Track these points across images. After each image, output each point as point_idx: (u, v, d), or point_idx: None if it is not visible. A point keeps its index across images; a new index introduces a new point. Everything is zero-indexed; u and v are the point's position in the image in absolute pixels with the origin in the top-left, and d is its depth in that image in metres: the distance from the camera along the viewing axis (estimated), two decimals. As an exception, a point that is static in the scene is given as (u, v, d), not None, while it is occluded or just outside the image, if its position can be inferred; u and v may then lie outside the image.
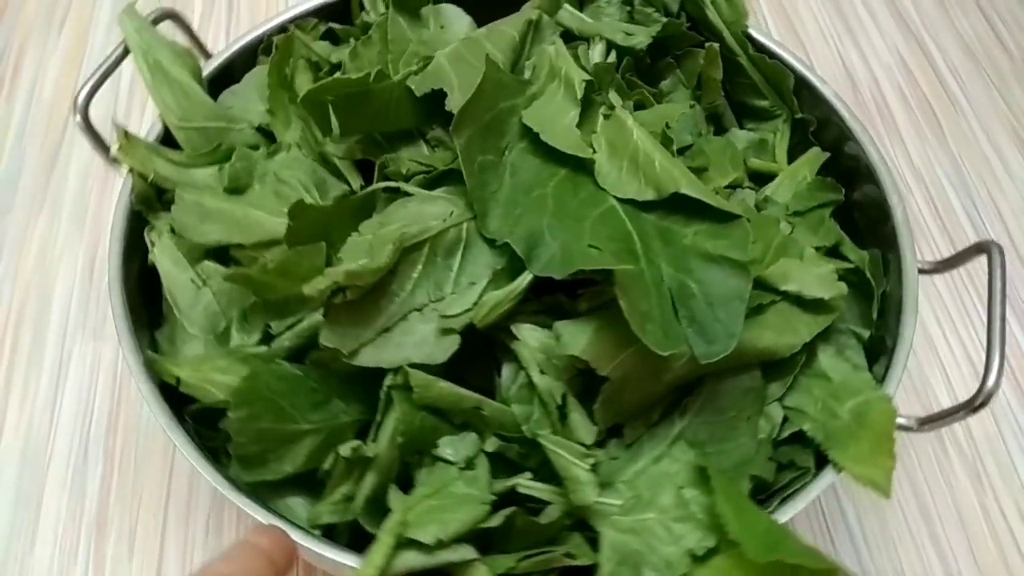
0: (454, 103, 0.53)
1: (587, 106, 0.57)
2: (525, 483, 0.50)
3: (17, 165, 0.88)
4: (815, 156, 0.67)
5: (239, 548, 0.42)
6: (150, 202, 0.59)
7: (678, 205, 0.51)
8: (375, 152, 0.57)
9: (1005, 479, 0.74)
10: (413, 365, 0.49)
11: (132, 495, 0.71)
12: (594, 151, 0.55)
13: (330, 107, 0.54)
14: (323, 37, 0.68)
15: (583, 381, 0.51)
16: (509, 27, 0.61)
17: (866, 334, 0.60)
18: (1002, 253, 0.58)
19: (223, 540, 0.69)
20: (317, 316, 0.51)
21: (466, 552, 0.46)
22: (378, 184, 0.54)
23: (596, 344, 0.48)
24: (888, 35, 1.03)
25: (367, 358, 0.49)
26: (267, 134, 0.63)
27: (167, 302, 0.57)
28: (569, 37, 0.64)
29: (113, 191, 0.86)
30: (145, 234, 0.59)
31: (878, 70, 1.00)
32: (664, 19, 0.65)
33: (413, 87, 0.54)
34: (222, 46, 0.67)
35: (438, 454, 0.50)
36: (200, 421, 0.54)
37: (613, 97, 0.58)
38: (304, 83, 0.62)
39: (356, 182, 0.57)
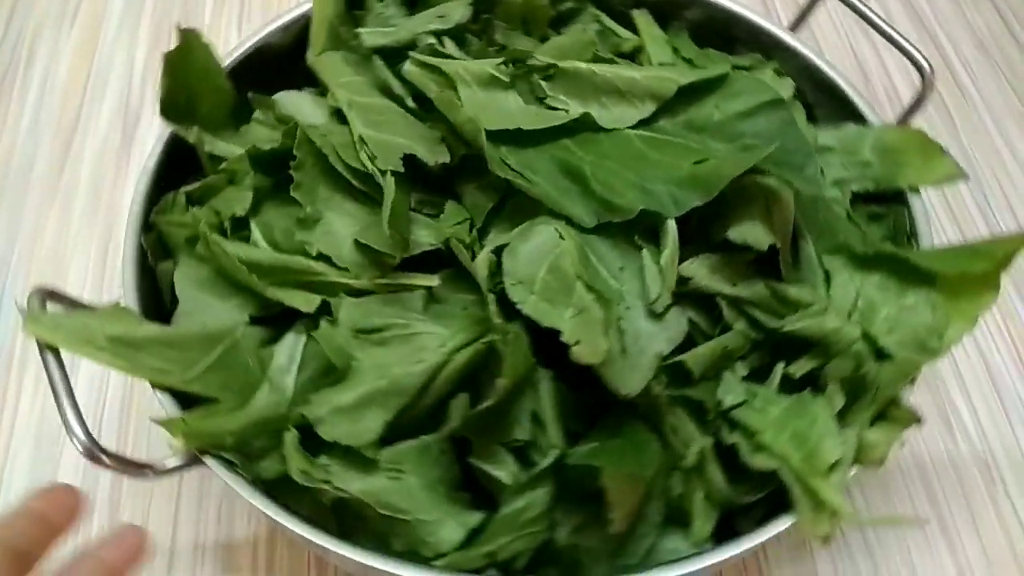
0: (438, 156, 0.54)
1: (513, 84, 0.58)
2: (792, 367, 0.54)
3: (30, 154, 0.88)
4: (644, 14, 0.71)
5: (11, 515, 0.42)
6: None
7: (672, 101, 0.55)
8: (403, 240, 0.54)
9: (1015, 471, 0.74)
10: (667, 356, 0.51)
11: (144, 488, 0.71)
12: (566, 110, 0.56)
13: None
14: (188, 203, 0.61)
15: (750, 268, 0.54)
16: (349, 77, 0.61)
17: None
18: None
19: (235, 527, 0.69)
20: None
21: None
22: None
23: (766, 228, 0.52)
24: (900, 27, 1.02)
25: (640, 381, 0.50)
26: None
27: None
28: (385, 54, 0.62)
29: (128, 180, 0.86)
30: (308, 483, 0.50)
31: (890, 63, 1.00)
32: None
33: (390, 168, 0.53)
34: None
35: (726, 406, 0.53)
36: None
37: (542, 58, 0.58)
38: (247, 253, 0.55)
39: (433, 281, 0.54)
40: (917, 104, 0.66)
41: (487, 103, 0.56)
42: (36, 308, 0.49)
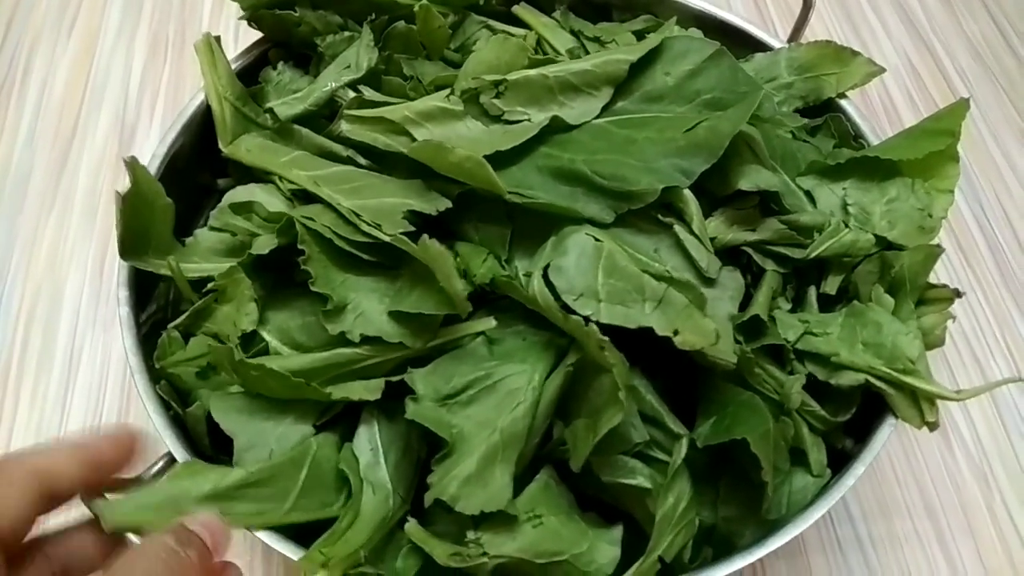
0: (437, 204, 0.53)
1: (467, 109, 0.57)
2: (834, 282, 0.57)
3: (28, 165, 0.88)
4: (524, 7, 0.70)
5: (60, 448, 0.41)
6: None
7: (630, 80, 0.56)
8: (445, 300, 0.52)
9: (1013, 481, 0.74)
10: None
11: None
12: (528, 120, 0.56)
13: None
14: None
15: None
16: (297, 152, 0.60)
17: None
18: None
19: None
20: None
21: None
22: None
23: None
24: (896, 38, 1.04)
25: (729, 347, 0.51)
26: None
27: None
28: (307, 119, 0.61)
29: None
30: (455, 565, 0.48)
31: (886, 74, 1.00)
32: (345, 34, 0.64)
33: (400, 230, 0.51)
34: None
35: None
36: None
37: (487, 78, 0.57)
38: (278, 364, 0.51)
39: (488, 324, 0.53)
40: (804, 16, 0.69)
41: (447, 137, 0.55)
42: (101, 504, 0.43)
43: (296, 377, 0.49)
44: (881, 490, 0.73)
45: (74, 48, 0.98)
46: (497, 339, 0.52)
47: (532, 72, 0.56)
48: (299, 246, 0.51)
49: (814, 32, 1.02)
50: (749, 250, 0.55)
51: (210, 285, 0.55)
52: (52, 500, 0.40)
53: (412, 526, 0.49)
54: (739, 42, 0.69)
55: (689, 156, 0.51)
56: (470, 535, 0.48)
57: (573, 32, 0.68)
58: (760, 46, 0.70)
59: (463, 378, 0.50)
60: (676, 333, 0.48)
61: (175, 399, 0.54)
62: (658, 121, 0.54)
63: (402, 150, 0.55)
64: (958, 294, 0.54)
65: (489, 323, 0.52)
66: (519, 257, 0.54)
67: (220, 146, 0.61)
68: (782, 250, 0.55)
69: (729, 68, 0.55)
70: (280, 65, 0.66)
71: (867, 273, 0.56)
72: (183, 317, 0.56)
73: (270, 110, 0.62)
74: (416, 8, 0.63)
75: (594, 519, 0.51)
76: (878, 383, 0.52)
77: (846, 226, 0.56)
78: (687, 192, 0.51)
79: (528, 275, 0.51)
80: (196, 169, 0.64)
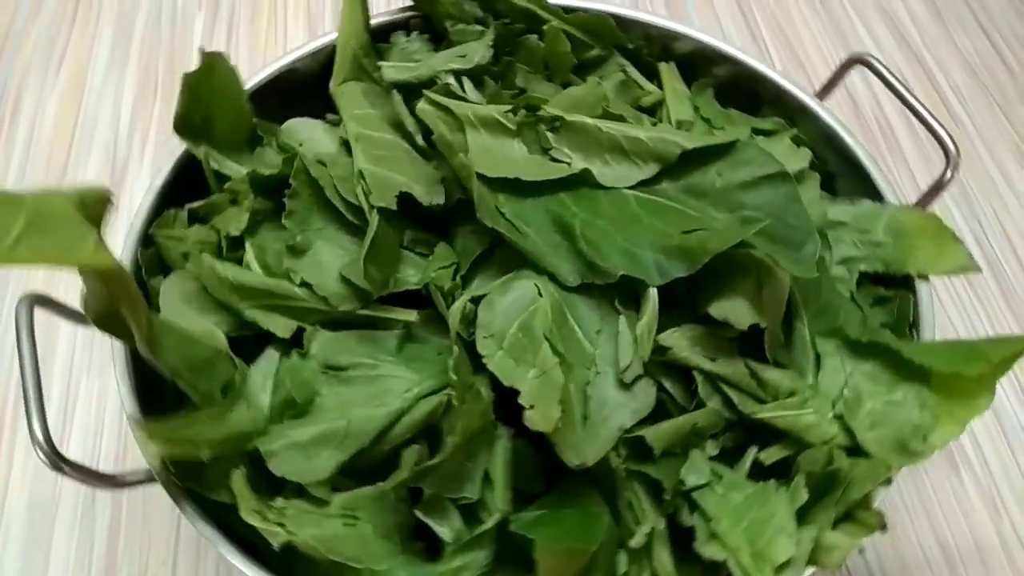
0: (433, 197, 0.55)
1: (520, 132, 0.57)
2: (764, 454, 0.51)
3: (19, 206, 0.87)
4: (670, 69, 0.70)
5: None
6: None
7: (678, 163, 0.54)
8: (381, 278, 0.54)
9: (1022, 506, 0.73)
10: (629, 429, 0.50)
11: (141, 542, 0.70)
12: (568, 163, 0.55)
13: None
14: (190, 220, 0.62)
15: (737, 346, 0.52)
16: (361, 109, 0.61)
17: (817, 176, 0.66)
18: (877, 59, 0.66)
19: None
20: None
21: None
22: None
23: (751, 306, 0.50)
24: (888, 54, 1.03)
25: (594, 453, 0.49)
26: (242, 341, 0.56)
27: (330, 563, 0.50)
28: (404, 89, 0.62)
29: (117, 230, 0.85)
30: (256, 523, 0.49)
31: (880, 91, 1.00)
32: (479, 28, 0.66)
33: (382, 204, 0.54)
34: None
35: (687, 487, 0.51)
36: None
37: (552, 109, 0.57)
38: (234, 273, 0.55)
39: (412, 316, 0.54)
40: (939, 186, 0.62)
41: (492, 148, 0.56)
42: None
43: (234, 288, 0.54)
44: (891, 520, 0.72)
45: (63, 84, 0.97)
46: (418, 340, 0.54)
47: (589, 121, 0.55)
48: (290, 179, 0.55)
49: (807, 53, 1.02)
50: (699, 378, 0.52)
51: (226, 185, 0.60)
52: None
53: (239, 473, 0.49)
54: (809, 123, 0.67)
55: (672, 257, 0.49)
56: (278, 501, 0.49)
57: (696, 107, 0.68)
58: (789, 98, 0.68)
59: (353, 358, 0.52)
60: (532, 407, 0.47)
61: (152, 268, 0.59)
62: (674, 213, 0.52)
63: (448, 141, 0.57)
64: (883, 527, 0.49)
65: (411, 315, 0.53)
66: (479, 279, 0.55)
67: (331, 84, 0.64)
68: (732, 394, 0.51)
69: (785, 195, 0.52)
70: (414, 34, 0.68)
71: (809, 459, 0.50)
72: (201, 203, 0.61)
73: (380, 68, 0.64)
74: (546, 28, 0.66)
75: (417, 550, 0.51)
76: (736, 569, 0.48)
77: (838, 415, 0.51)
78: (652, 291, 0.50)
79: (463, 293, 0.53)
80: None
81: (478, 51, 0.64)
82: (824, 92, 0.70)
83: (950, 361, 0.49)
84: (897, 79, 0.64)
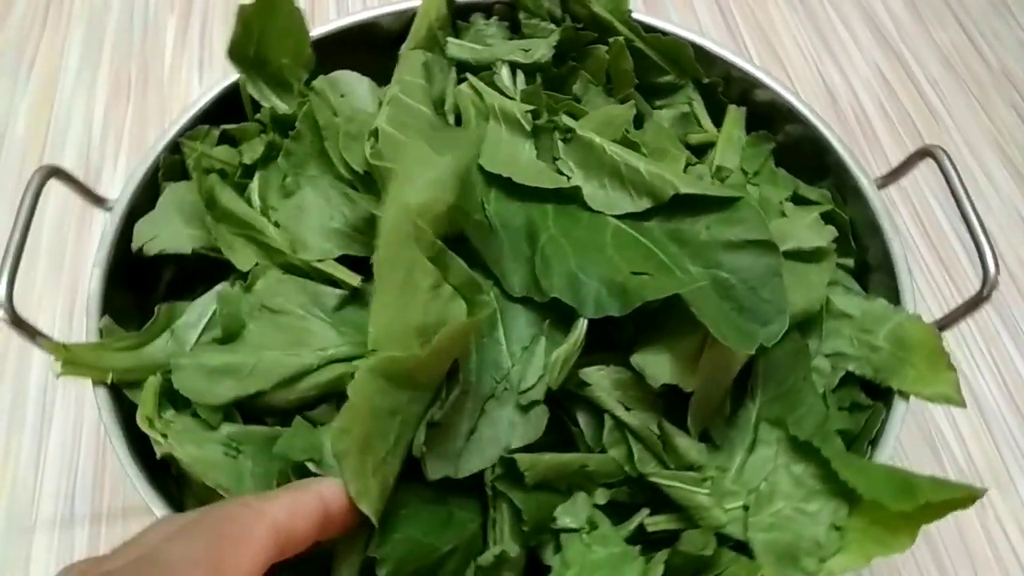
0: None
1: (537, 135, 0.57)
2: (650, 520, 0.49)
3: (-10, 213, 0.86)
4: (737, 113, 0.68)
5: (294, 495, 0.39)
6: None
7: (674, 205, 0.52)
8: (356, 245, 0.55)
9: (1006, 499, 0.74)
10: (514, 450, 0.48)
11: (121, 554, 0.69)
12: (568, 177, 0.54)
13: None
14: (220, 141, 0.64)
15: (664, 402, 0.50)
16: (412, 76, 0.60)
17: (851, 262, 0.63)
18: (946, 153, 0.61)
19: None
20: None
21: None
22: None
23: (677, 365, 0.48)
24: (866, 49, 1.03)
25: (471, 466, 0.47)
26: (193, 262, 0.59)
27: (200, 484, 0.51)
28: (464, 69, 0.63)
29: (92, 235, 0.84)
30: (146, 430, 0.51)
31: (858, 86, 1.00)
32: (552, 26, 0.66)
33: (384, 165, 0.53)
34: (118, 186, 0.61)
35: (558, 526, 0.49)
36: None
37: (567, 119, 0.57)
38: (230, 198, 0.57)
39: (354, 280, 0.53)
40: (972, 305, 0.57)
41: (503, 144, 0.56)
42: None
43: (215, 209, 0.56)
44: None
45: (34, 88, 0.95)
46: (355, 306, 0.54)
47: (597, 140, 0.54)
48: (296, 122, 0.57)
49: (786, 49, 1.02)
50: (609, 423, 0.50)
51: (257, 115, 0.63)
52: (280, 555, 0.37)
53: (153, 381, 0.51)
54: (860, 206, 0.63)
55: (612, 294, 0.47)
56: (168, 414, 0.51)
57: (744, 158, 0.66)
58: (848, 177, 0.64)
59: (288, 304, 0.53)
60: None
61: (168, 174, 0.61)
62: (641, 252, 0.50)
63: (472, 126, 0.57)
64: None
65: (354, 279, 0.53)
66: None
67: (402, 46, 0.65)
68: (636, 449, 0.50)
69: (766, 266, 0.49)
70: (493, 19, 0.68)
71: (690, 541, 0.48)
72: (234, 126, 0.63)
73: (448, 44, 0.65)
74: (611, 41, 0.65)
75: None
76: None
77: (746, 505, 0.49)
78: (581, 322, 0.48)
79: None
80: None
81: (540, 49, 0.63)
82: (889, 179, 0.65)
83: (880, 489, 0.45)
84: (960, 181, 0.60)
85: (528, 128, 0.56)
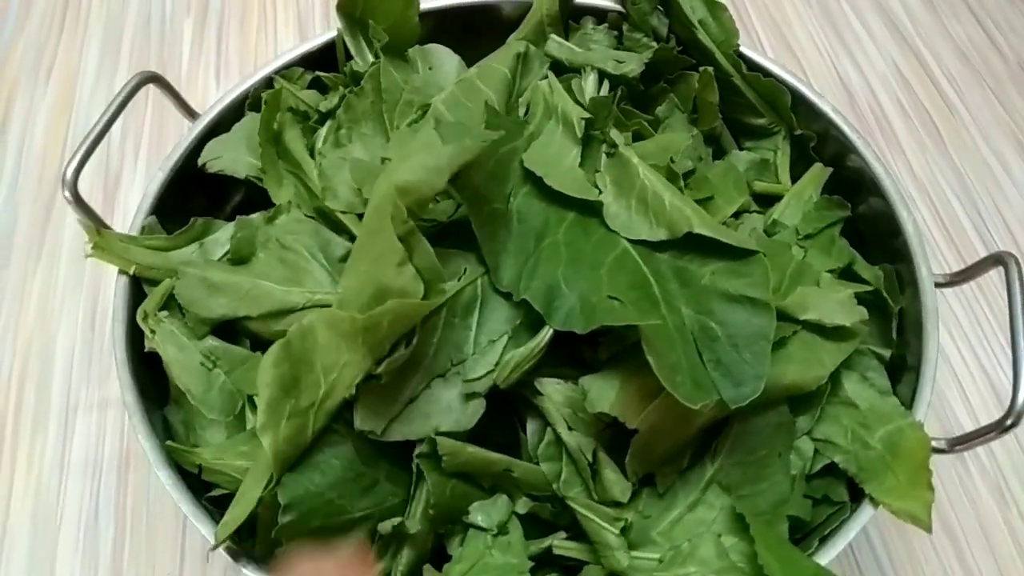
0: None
1: (588, 143, 0.57)
2: (560, 544, 0.49)
3: (11, 219, 0.87)
4: (819, 173, 0.66)
5: None
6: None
7: (692, 243, 0.51)
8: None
9: (1029, 494, 0.74)
10: (441, 433, 0.48)
11: (146, 556, 0.69)
12: (600, 191, 0.54)
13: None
14: (310, 86, 0.67)
15: (612, 433, 0.50)
16: (499, 63, 0.60)
17: (887, 354, 0.59)
18: (1019, 264, 0.56)
19: None
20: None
21: None
22: None
23: (624, 398, 0.47)
24: (882, 45, 1.03)
25: (396, 433, 0.48)
26: (256, 189, 0.62)
27: (175, 386, 0.56)
28: (558, 68, 0.63)
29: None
30: (139, 322, 0.56)
31: (874, 81, 1.00)
32: (654, 44, 0.65)
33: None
34: (210, 105, 0.65)
35: (470, 521, 0.49)
36: (220, 504, 0.52)
37: (614, 134, 0.57)
38: (293, 138, 0.61)
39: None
40: (990, 430, 0.53)
41: (551, 144, 0.56)
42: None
43: (279, 146, 0.61)
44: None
45: (53, 93, 0.96)
46: None
47: (635, 160, 0.54)
48: (363, 81, 0.61)
49: (800, 45, 1.02)
50: (549, 436, 0.50)
51: (345, 68, 0.67)
52: None
53: (167, 282, 0.57)
54: (913, 297, 0.59)
55: (582, 312, 0.47)
56: (162, 314, 0.56)
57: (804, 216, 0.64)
58: (910, 265, 0.60)
59: (298, 244, 0.56)
60: None
61: (255, 104, 0.64)
62: (634, 279, 0.50)
63: (537, 120, 0.58)
64: None
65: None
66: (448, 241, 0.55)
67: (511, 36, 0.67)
68: (566, 470, 0.50)
69: (758, 328, 0.47)
70: (603, 26, 0.69)
71: (587, 572, 0.49)
72: (328, 74, 0.67)
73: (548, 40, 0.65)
74: (701, 70, 0.65)
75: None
76: None
77: (662, 558, 0.49)
78: (546, 330, 0.49)
79: None
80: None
81: (631, 63, 0.63)
82: (956, 279, 0.61)
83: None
84: (1022, 297, 0.55)
85: (579, 135, 0.56)
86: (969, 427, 0.54)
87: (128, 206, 0.88)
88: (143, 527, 0.71)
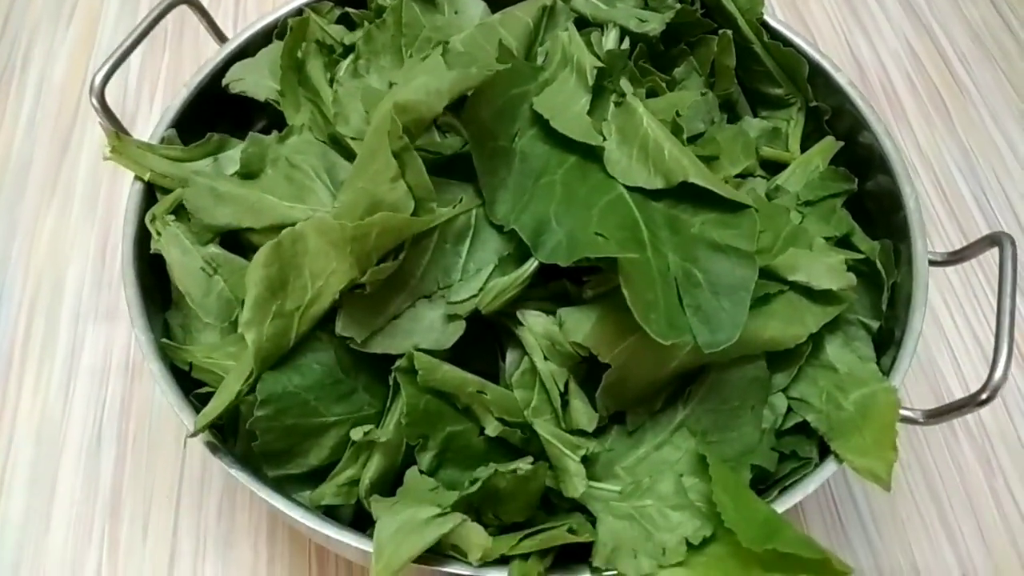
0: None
1: (598, 93, 0.58)
2: (524, 467, 0.49)
3: (28, 154, 0.88)
4: (828, 145, 0.67)
5: None
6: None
7: (687, 194, 0.52)
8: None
9: (1015, 462, 0.74)
10: (420, 350, 0.49)
11: (146, 478, 0.71)
12: (604, 138, 0.55)
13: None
14: (338, 21, 0.68)
15: (588, 368, 0.51)
16: (523, 13, 0.61)
17: (875, 325, 0.60)
18: (1014, 245, 0.57)
19: (236, 522, 0.69)
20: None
21: (455, 519, 0.46)
22: None
23: (599, 331, 0.49)
24: (895, 21, 1.03)
25: (377, 345, 0.50)
26: (277, 116, 0.63)
27: (176, 289, 0.58)
28: (583, 23, 0.64)
29: (125, 177, 0.86)
30: (147, 223, 0.59)
31: (886, 56, 1.00)
32: (678, 5, 0.65)
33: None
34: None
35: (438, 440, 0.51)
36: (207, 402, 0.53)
37: (624, 84, 0.58)
38: (316, 67, 0.62)
39: None
40: (962, 404, 0.53)
41: (562, 91, 0.57)
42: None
43: (303, 77, 0.62)
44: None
45: (73, 37, 0.98)
46: None
47: (640, 109, 0.55)
48: (385, 13, 0.62)
49: (814, 17, 1.02)
50: (524, 365, 0.52)
51: (372, 4, 0.68)
52: None
53: (181, 190, 0.58)
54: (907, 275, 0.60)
55: (568, 246, 0.48)
56: (171, 218, 0.58)
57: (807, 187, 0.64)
58: (910, 236, 0.61)
59: (306, 165, 0.57)
60: None
61: (283, 33, 0.65)
62: (623, 220, 0.50)
63: (553, 67, 0.58)
64: None
65: None
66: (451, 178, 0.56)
67: None
68: (537, 398, 0.51)
69: (739, 278, 0.48)
70: None
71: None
72: (357, 11, 0.68)
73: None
74: (720, 33, 0.66)
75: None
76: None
77: (624, 490, 0.50)
78: (532, 261, 0.50)
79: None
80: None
81: (652, 22, 0.63)
82: (952, 258, 0.62)
83: (742, 521, 0.46)
84: (1014, 277, 0.56)
85: (590, 83, 0.57)
86: (960, 397, 0.56)
87: (148, 131, 0.89)
88: (144, 450, 0.72)
